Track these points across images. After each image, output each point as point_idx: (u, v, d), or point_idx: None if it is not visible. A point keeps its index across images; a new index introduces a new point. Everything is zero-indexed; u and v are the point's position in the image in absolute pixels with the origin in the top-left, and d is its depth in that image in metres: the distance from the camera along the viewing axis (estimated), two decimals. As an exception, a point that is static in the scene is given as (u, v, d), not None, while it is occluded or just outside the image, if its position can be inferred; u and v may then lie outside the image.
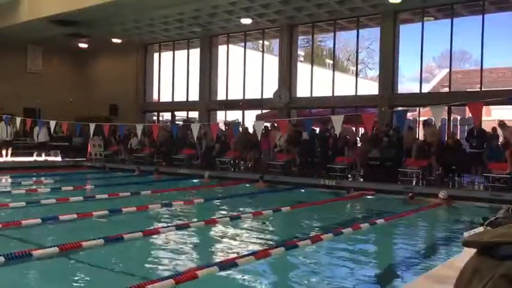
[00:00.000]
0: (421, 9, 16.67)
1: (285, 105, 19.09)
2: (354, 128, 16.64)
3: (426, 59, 36.67)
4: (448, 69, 19.69)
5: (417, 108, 17.85)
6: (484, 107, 11.36)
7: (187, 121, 22.44)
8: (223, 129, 18.39)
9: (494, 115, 21.01)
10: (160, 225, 7.96)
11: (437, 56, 34.10)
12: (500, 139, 12.94)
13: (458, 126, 21.63)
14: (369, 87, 25.05)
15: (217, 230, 7.87)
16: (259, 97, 20.47)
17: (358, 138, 15.83)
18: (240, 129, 17.66)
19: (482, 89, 16.32)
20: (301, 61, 24.56)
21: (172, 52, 23.71)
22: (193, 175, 15.62)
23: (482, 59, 16.16)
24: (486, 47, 15.93)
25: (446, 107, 14.96)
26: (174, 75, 23.44)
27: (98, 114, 22.34)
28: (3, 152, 18.05)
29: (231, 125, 17.25)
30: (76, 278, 5.12)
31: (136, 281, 4.54)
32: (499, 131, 12.99)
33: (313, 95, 19.35)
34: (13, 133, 18.60)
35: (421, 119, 19.87)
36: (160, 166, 17.34)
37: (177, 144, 18.33)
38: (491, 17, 16.73)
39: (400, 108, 15.77)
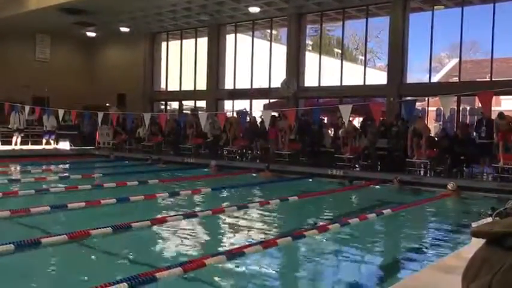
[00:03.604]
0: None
1: (293, 95, 19.03)
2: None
3: (436, 48, 36.47)
4: (457, 59, 19.49)
5: (426, 98, 17.75)
6: (493, 97, 11.26)
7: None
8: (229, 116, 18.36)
9: (504, 105, 20.82)
10: (168, 214, 8.01)
11: (447, 45, 33.84)
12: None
13: (468, 116, 21.48)
14: (378, 76, 24.90)
15: (224, 219, 7.91)
16: (267, 86, 20.42)
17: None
18: (248, 118, 17.66)
19: (492, 79, 16.15)
20: (309, 50, 24.41)
21: (180, 41, 23.67)
22: (201, 164, 15.67)
23: (492, 48, 15.97)
24: (497, 36, 15.75)
25: (456, 97, 14.85)
26: (182, 64, 23.41)
27: (105, 103, 22.43)
28: (14, 139, 18.23)
29: (229, 120, 17.13)
30: (85, 266, 5.17)
31: (144, 269, 4.58)
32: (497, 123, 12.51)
33: (321, 85, 19.26)
34: (24, 121, 18.76)
35: (430, 109, 19.77)
36: (167, 155, 17.39)
37: (183, 133, 18.39)
38: (503, 5, 16.48)
39: (408, 98, 15.67)
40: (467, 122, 18.82)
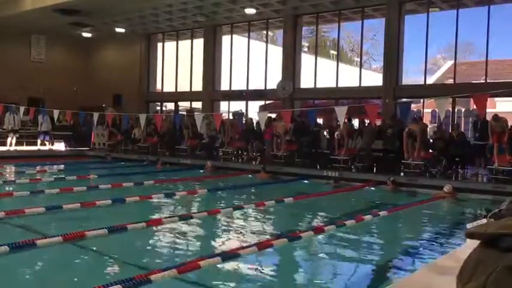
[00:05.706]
0: (426, 0, 16.53)
1: (289, 96, 19.04)
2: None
3: (431, 50, 36.58)
4: (453, 61, 19.56)
5: (421, 100, 17.78)
6: (488, 99, 11.30)
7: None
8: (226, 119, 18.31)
9: (498, 107, 20.90)
10: (163, 215, 7.99)
11: (443, 47, 33.98)
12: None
13: (463, 118, 21.55)
14: (373, 78, 24.94)
15: (220, 220, 7.89)
16: (263, 88, 20.42)
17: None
18: (244, 120, 17.64)
19: (487, 81, 16.22)
20: (305, 52, 24.44)
21: (176, 42, 23.63)
22: (197, 165, 15.65)
23: (487, 50, 16.04)
24: (492, 38, 15.83)
25: (451, 99, 14.90)
26: (178, 65, 23.38)
27: (101, 104, 22.38)
28: (8, 140, 18.15)
29: (225, 123, 17.06)
30: (79, 268, 5.15)
31: (139, 271, 4.57)
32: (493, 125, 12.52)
33: (317, 86, 19.28)
34: (19, 122, 18.66)
35: (426, 110, 19.83)
36: (163, 156, 17.36)
37: (179, 134, 18.36)
38: (498, 8, 16.58)
39: (404, 100, 15.70)
40: (461, 124, 18.92)
